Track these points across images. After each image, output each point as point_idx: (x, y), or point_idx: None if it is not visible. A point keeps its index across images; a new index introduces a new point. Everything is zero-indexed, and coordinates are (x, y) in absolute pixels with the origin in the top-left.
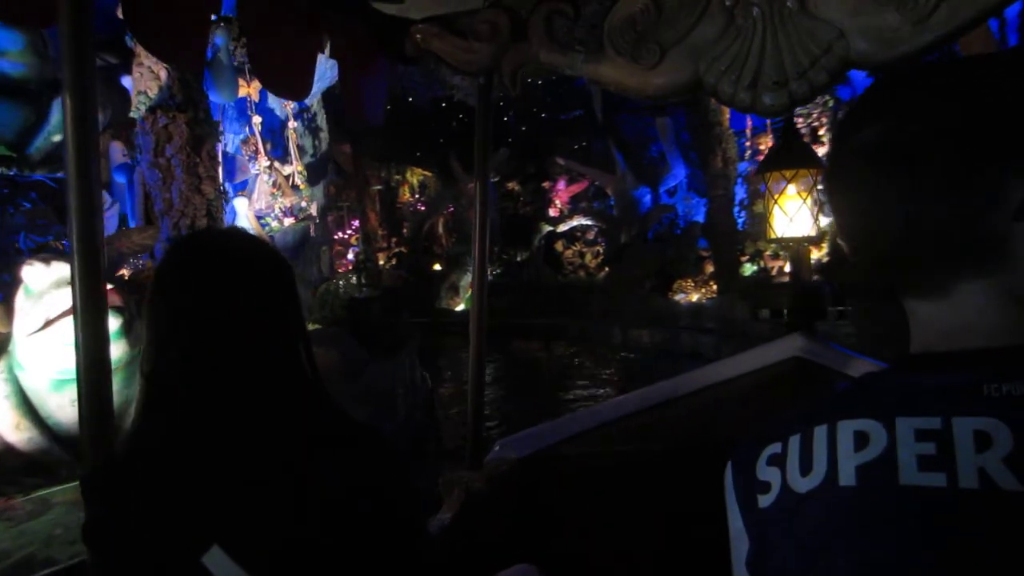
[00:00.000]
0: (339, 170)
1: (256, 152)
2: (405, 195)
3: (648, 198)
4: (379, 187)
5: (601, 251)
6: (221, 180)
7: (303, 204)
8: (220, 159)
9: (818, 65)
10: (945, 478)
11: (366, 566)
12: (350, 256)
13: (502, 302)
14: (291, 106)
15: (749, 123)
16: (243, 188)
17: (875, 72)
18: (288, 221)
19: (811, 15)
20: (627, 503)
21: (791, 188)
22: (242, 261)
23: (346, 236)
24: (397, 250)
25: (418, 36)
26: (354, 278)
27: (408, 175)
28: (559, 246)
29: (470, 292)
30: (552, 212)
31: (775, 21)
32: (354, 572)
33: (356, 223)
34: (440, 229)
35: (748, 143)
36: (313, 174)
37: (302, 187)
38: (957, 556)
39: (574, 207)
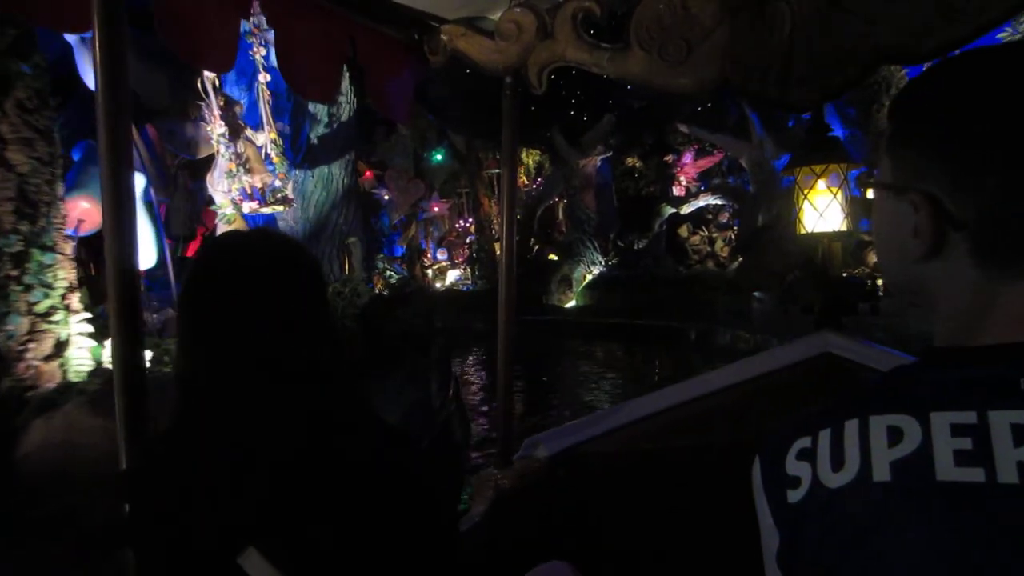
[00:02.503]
0: (455, 152)
1: (212, 116)
2: (521, 178)
3: None
4: (495, 171)
5: (734, 236)
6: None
7: (276, 183)
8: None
9: (849, 58)
10: (983, 473)
11: (399, 566)
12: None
13: (614, 299)
14: (262, 49)
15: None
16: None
17: (906, 65)
18: (249, 206)
19: (841, 8)
20: (657, 499)
21: (821, 183)
22: (269, 263)
23: (466, 225)
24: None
25: (444, 37)
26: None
27: (524, 156)
28: (683, 231)
29: (583, 285)
30: (676, 191)
31: (804, 15)
32: (387, 572)
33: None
34: (560, 214)
35: None
36: (326, 149)
37: (276, 161)
38: (997, 552)
39: (704, 184)
